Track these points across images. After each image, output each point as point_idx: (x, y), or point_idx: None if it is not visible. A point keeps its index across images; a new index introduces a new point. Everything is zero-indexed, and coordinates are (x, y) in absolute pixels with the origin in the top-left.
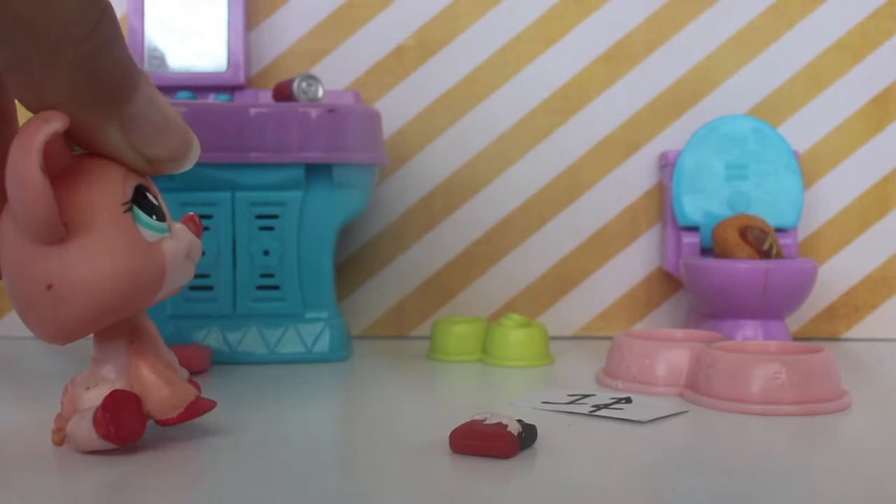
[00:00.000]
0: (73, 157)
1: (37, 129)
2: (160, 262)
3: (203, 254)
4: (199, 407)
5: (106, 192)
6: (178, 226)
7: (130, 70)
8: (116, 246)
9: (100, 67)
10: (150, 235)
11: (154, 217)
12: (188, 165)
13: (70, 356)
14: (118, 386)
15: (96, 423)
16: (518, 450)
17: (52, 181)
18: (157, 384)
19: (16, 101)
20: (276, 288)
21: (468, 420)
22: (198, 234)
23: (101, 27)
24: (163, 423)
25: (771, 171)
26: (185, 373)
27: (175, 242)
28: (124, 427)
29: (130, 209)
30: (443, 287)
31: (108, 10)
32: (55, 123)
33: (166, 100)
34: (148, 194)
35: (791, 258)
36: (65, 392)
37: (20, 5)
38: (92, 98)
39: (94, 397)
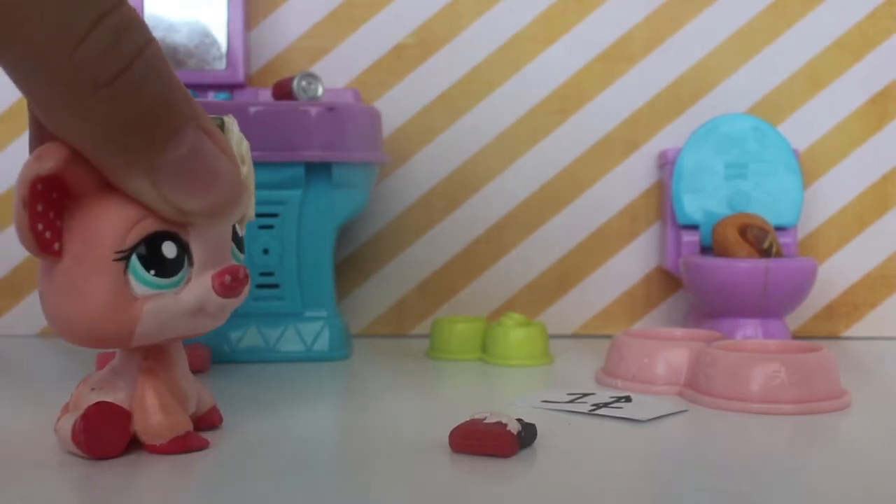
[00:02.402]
0: (104, 182)
1: (29, 165)
2: (132, 317)
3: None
4: (185, 442)
5: (105, 234)
6: (202, 280)
7: (170, 116)
8: (89, 290)
9: (123, 114)
10: (139, 289)
11: (153, 272)
12: (234, 220)
13: (72, 355)
14: (122, 397)
15: (74, 428)
16: (518, 449)
17: (73, 201)
18: (153, 408)
19: None
20: (275, 287)
21: (468, 419)
22: (223, 294)
23: (130, 73)
24: (148, 449)
25: (770, 170)
26: (208, 403)
27: (171, 300)
28: (99, 441)
29: (124, 259)
30: (442, 286)
31: (142, 54)
32: (46, 163)
33: (222, 146)
34: (167, 243)
35: (791, 257)
36: (77, 385)
37: (35, 42)
38: (112, 144)
39: (95, 400)
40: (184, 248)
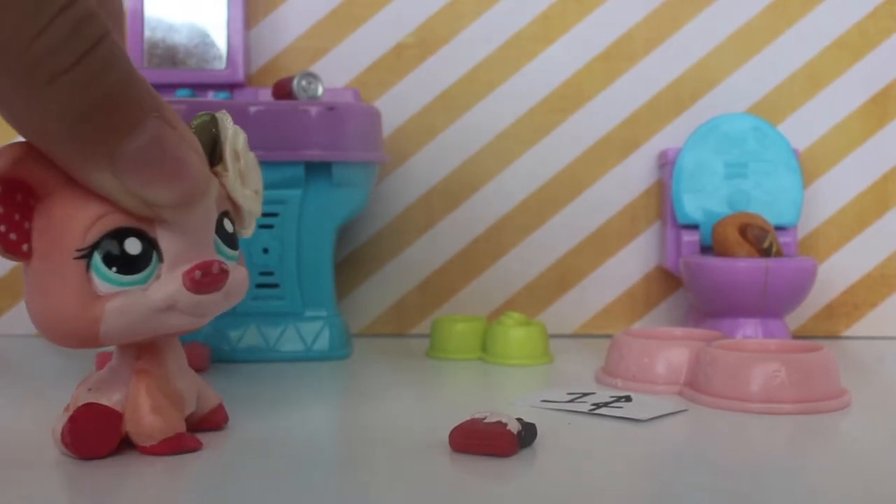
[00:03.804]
0: (68, 180)
1: None
2: (94, 316)
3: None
4: (177, 443)
5: (67, 233)
6: (173, 276)
7: (130, 106)
8: (55, 290)
9: (82, 102)
10: (103, 287)
11: (115, 269)
12: (198, 212)
13: (72, 356)
14: (117, 398)
15: (63, 430)
16: (518, 448)
17: (39, 202)
18: (145, 409)
19: None
20: (275, 286)
21: (468, 419)
22: (194, 290)
23: (89, 60)
24: (140, 450)
25: (770, 170)
26: (212, 402)
27: (138, 297)
28: (86, 443)
29: (85, 256)
30: (442, 285)
31: (102, 42)
32: None
33: (188, 138)
34: (130, 240)
35: (791, 256)
36: (77, 386)
37: None
38: (72, 136)
39: (90, 400)
40: (151, 244)
